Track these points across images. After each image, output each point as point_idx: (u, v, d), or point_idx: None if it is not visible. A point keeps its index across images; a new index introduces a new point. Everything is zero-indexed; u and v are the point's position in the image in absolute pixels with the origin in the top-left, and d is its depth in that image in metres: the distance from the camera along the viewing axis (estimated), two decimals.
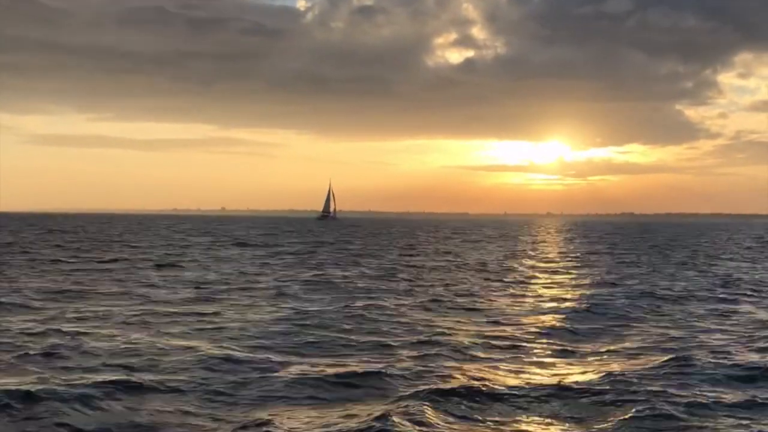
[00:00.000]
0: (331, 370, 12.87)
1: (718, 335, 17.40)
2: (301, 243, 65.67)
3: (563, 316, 20.20)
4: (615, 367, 13.60)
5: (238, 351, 14.37)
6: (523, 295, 25.64)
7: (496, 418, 10.52)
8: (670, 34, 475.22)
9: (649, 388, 11.79)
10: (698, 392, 11.78)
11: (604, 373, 12.83)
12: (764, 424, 10.32)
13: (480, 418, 10.55)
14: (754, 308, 22.52)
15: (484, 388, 11.67)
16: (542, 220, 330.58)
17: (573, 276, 34.14)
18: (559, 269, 38.27)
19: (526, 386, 12.02)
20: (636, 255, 51.96)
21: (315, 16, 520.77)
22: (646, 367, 13.49)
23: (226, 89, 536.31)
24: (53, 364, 12.95)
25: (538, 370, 13.47)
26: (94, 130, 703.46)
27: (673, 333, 17.52)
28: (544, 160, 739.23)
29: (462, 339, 16.27)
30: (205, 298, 23.07)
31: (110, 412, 10.37)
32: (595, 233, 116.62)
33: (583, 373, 13.22)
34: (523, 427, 10.24)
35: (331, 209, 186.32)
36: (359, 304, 21.52)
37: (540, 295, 25.77)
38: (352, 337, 16.39)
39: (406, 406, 10.56)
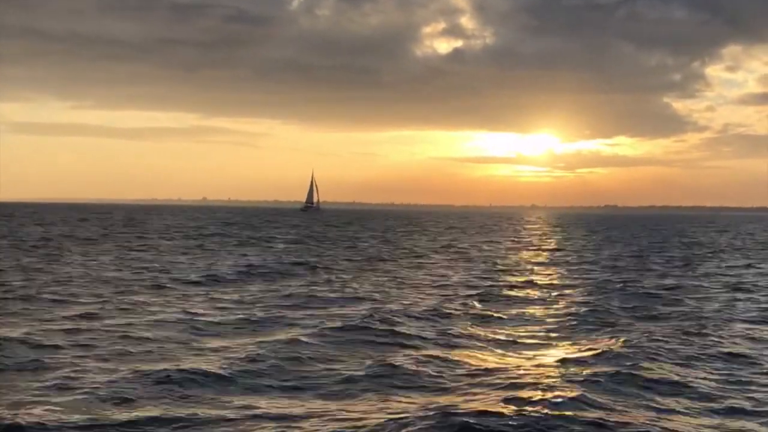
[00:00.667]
0: None
1: None
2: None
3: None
4: None
5: None
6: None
7: None
8: (660, 26, 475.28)
9: None
10: None
11: None
12: None
13: None
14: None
15: None
16: (526, 212, 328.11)
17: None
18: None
19: None
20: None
21: (300, 3, 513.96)
22: None
23: (210, 77, 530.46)
24: None
25: None
26: (75, 119, 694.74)
27: None
28: (533, 152, 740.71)
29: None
30: None
31: None
32: (568, 225, 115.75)
33: None
34: None
35: (315, 200, 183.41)
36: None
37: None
38: None
39: None
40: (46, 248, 39.16)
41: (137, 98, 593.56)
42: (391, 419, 9.38)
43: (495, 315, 18.80)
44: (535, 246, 54.09)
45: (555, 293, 23.98)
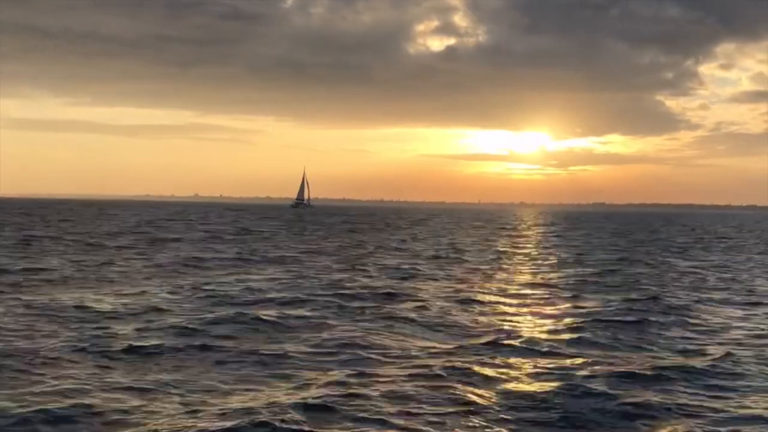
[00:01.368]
0: None
1: None
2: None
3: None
4: None
5: None
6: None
7: None
8: (653, 24, 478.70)
9: None
10: None
11: None
12: None
13: None
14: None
15: None
16: (514, 210, 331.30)
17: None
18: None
19: None
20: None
21: (294, 1, 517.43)
22: None
23: (205, 74, 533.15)
24: None
25: None
26: (71, 115, 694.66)
27: None
28: (525, 150, 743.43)
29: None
30: None
31: None
32: (544, 222, 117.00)
33: None
34: None
35: (306, 197, 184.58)
36: None
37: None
38: None
39: None
40: None
41: (133, 95, 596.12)
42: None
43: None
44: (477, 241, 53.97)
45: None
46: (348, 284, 23.51)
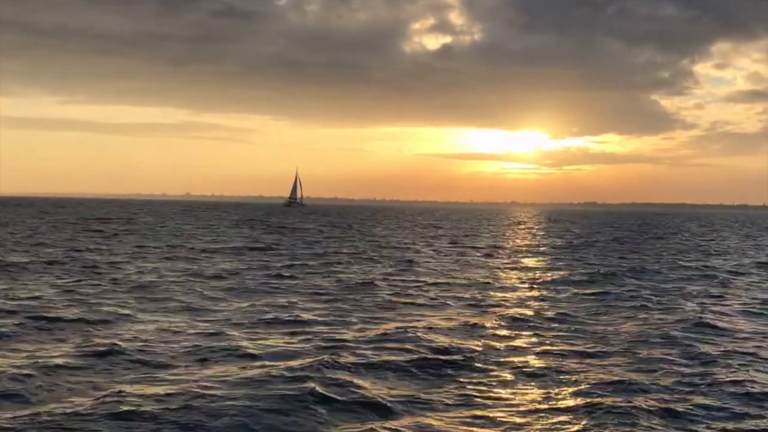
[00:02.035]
0: None
1: None
2: None
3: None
4: None
5: None
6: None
7: None
8: (649, 23, 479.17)
9: None
10: None
11: None
12: None
13: None
14: None
15: None
16: (506, 209, 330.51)
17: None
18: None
19: None
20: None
21: None
22: None
23: (199, 72, 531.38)
24: None
25: None
26: (65, 114, 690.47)
27: None
28: (521, 149, 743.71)
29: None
30: None
31: None
32: (525, 221, 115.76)
33: None
34: None
35: (298, 196, 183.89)
36: None
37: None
38: None
39: None
40: None
41: (127, 93, 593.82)
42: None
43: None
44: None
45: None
46: None
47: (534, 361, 12.45)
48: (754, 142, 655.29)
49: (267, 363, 11.66)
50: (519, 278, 26.11)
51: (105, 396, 9.60)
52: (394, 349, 12.87)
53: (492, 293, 21.55)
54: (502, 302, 19.69)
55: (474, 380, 11.13)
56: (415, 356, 12.32)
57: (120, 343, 12.66)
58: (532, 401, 10.10)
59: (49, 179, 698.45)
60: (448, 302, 19.38)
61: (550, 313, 17.62)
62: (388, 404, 9.73)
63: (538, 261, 34.58)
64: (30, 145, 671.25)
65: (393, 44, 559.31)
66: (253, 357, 12.12)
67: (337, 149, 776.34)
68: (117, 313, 15.97)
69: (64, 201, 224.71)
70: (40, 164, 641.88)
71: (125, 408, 9.07)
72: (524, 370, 11.81)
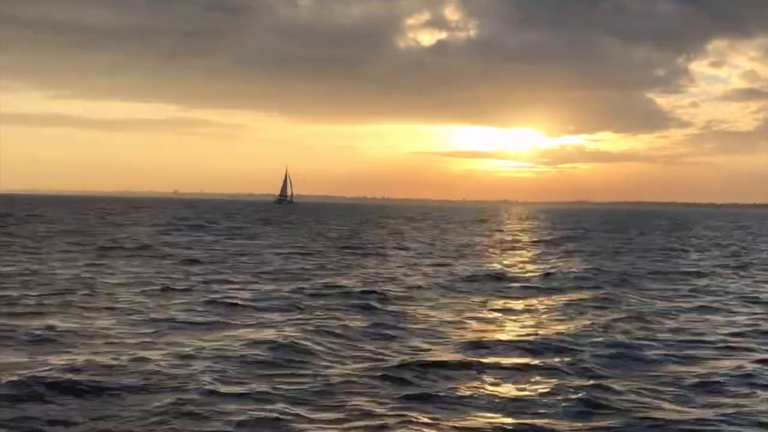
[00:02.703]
0: None
1: None
2: None
3: None
4: None
5: None
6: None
7: None
8: (645, 20, 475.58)
9: None
10: None
11: None
12: None
13: None
14: None
15: None
16: (497, 207, 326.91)
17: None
18: None
19: None
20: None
21: None
22: None
23: (190, 67, 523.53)
24: None
25: None
26: (53, 109, 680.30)
27: None
28: (516, 147, 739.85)
29: None
30: None
31: None
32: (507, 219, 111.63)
33: None
34: None
35: (288, 193, 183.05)
36: None
37: None
38: None
39: None
40: None
41: (116, 88, 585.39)
42: None
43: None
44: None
45: None
46: None
47: None
48: (748, 141, 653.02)
49: None
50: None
51: None
52: None
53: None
54: None
55: None
56: None
57: None
58: None
59: (33, 176, 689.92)
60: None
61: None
62: None
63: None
64: (14, 141, 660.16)
65: (387, 40, 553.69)
66: None
67: (328, 146, 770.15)
68: None
69: (47, 199, 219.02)
70: (25, 161, 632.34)
71: None
72: None
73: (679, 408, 9.99)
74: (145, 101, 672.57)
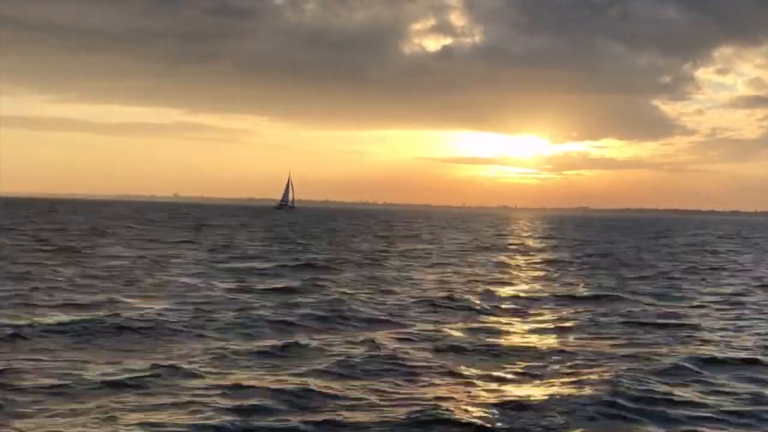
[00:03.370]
0: None
1: None
2: None
3: None
4: None
5: None
6: None
7: None
8: (651, 26, 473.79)
9: None
10: None
11: None
12: None
13: None
14: None
15: None
16: (497, 213, 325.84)
17: None
18: None
19: None
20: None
21: None
22: None
23: (193, 71, 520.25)
24: None
25: None
26: (56, 113, 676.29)
27: None
28: (520, 153, 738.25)
29: None
30: None
31: None
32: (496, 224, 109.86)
33: None
34: None
35: (290, 199, 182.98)
36: None
37: None
38: None
39: None
40: None
41: (119, 92, 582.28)
42: None
43: None
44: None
45: None
46: None
47: None
48: (753, 149, 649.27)
49: None
50: None
51: None
52: None
53: None
54: None
55: None
56: None
57: None
58: None
59: (36, 179, 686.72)
60: None
61: None
62: None
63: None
64: (16, 144, 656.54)
65: (392, 45, 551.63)
66: None
67: (331, 151, 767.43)
68: None
69: (50, 202, 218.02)
70: (27, 164, 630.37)
71: None
72: None
73: None
74: (147, 105, 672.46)
